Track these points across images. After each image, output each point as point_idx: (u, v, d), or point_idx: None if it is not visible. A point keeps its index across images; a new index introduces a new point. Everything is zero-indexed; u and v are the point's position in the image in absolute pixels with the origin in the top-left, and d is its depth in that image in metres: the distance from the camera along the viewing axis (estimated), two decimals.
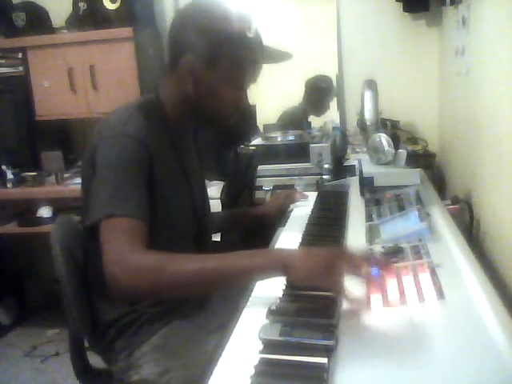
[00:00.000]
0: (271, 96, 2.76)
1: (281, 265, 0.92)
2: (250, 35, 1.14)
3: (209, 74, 1.15)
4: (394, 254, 1.08)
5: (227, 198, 1.85)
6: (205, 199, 1.40)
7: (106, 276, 0.95)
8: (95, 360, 1.29)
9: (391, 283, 0.95)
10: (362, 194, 1.59)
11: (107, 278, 0.95)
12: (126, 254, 0.96)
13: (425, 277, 0.95)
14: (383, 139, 1.68)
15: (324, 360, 0.74)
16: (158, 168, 1.12)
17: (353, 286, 0.91)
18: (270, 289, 1.01)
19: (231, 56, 1.14)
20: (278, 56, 1.28)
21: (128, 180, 1.05)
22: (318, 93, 2.78)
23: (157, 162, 1.12)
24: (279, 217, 1.62)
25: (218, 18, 1.14)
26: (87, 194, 1.09)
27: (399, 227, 1.21)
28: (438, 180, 2.34)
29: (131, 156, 1.07)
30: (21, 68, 2.69)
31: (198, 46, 1.13)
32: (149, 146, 1.10)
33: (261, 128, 2.71)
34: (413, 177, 1.60)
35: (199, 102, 1.18)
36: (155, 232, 1.06)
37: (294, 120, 2.71)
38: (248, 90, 1.23)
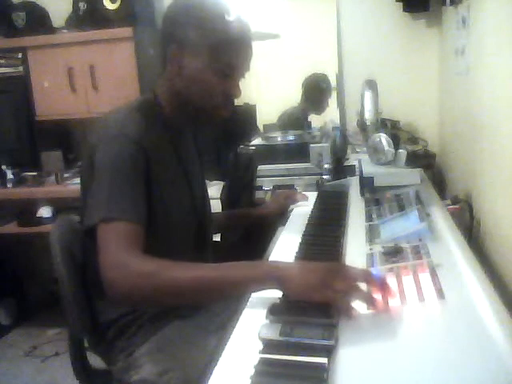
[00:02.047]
0: (271, 96, 2.76)
1: (276, 277, 0.91)
2: (230, 19, 1.13)
3: (192, 62, 1.14)
4: (394, 254, 1.08)
5: (227, 198, 1.85)
6: (205, 199, 1.39)
7: (103, 280, 0.95)
8: (95, 360, 1.29)
9: (391, 283, 0.95)
10: (362, 194, 1.59)
11: (104, 282, 0.95)
12: (122, 258, 0.96)
13: (425, 277, 0.95)
14: (383, 139, 1.68)
15: (324, 360, 0.74)
16: (156, 169, 1.12)
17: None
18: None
19: (217, 43, 1.13)
20: (263, 36, 1.26)
21: (125, 182, 1.05)
22: (316, 91, 2.78)
23: (155, 162, 1.12)
24: (279, 217, 1.62)
25: (195, 6, 1.14)
26: (86, 196, 1.09)
27: (399, 227, 1.21)
28: (438, 180, 2.34)
29: (129, 157, 1.07)
30: (21, 68, 2.69)
31: (178, 34, 1.13)
32: (147, 147, 1.10)
33: (261, 128, 2.71)
34: (413, 177, 1.60)
35: (187, 94, 1.17)
36: (155, 232, 1.06)
37: (294, 120, 2.71)
38: (239, 81, 1.21)
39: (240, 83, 1.22)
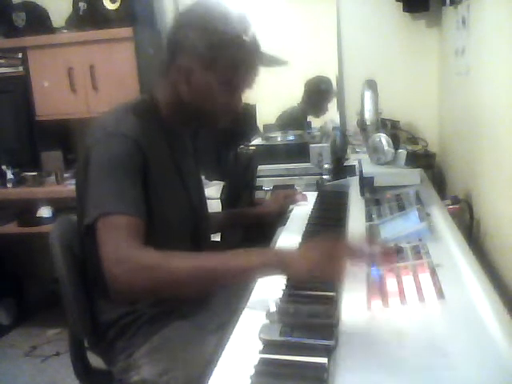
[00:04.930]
0: (271, 96, 2.75)
1: (279, 263, 0.92)
2: (248, 39, 1.14)
3: (204, 75, 1.15)
4: (394, 254, 1.08)
5: (227, 198, 1.85)
6: (202, 199, 1.39)
7: (105, 274, 0.95)
8: (95, 360, 1.29)
9: (391, 283, 0.95)
10: (362, 193, 1.59)
11: (107, 277, 0.95)
12: (124, 251, 0.96)
13: (425, 277, 0.95)
14: (383, 139, 1.68)
15: (324, 360, 0.74)
16: (152, 167, 1.12)
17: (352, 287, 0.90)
18: (270, 289, 1.01)
19: (228, 58, 1.14)
20: (273, 61, 1.27)
21: (122, 178, 1.05)
22: (318, 94, 2.78)
23: (151, 161, 1.12)
24: (279, 216, 1.62)
25: (218, 19, 1.14)
26: (82, 196, 1.09)
27: (399, 227, 1.21)
28: (438, 180, 2.34)
29: (125, 154, 1.07)
30: (21, 68, 2.69)
31: (195, 46, 1.13)
32: (142, 145, 1.10)
33: (261, 128, 2.71)
34: (413, 177, 1.60)
35: (191, 102, 1.18)
36: (151, 233, 1.06)
37: (293, 120, 2.71)
38: (242, 95, 1.22)
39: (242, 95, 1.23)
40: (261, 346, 0.80)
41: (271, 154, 2.18)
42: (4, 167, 2.70)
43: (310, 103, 2.80)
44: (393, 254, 0.93)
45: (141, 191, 1.07)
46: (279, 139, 2.29)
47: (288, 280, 0.96)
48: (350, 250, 0.91)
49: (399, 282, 0.95)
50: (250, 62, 1.18)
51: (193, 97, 1.17)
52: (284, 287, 1.01)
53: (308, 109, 2.81)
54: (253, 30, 1.16)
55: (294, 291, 0.99)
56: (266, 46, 1.21)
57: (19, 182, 2.69)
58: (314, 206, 1.59)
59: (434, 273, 0.96)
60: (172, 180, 1.24)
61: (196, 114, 1.20)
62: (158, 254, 0.97)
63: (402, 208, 1.35)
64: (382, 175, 1.61)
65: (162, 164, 1.19)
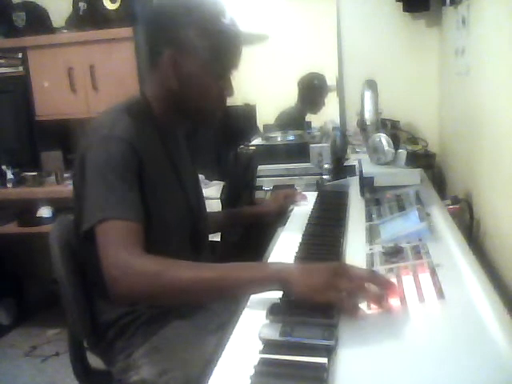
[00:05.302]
0: (272, 96, 2.76)
1: (280, 280, 0.91)
2: (227, 22, 1.15)
3: (191, 66, 1.14)
4: (394, 254, 1.08)
5: (227, 198, 1.85)
6: (200, 199, 1.39)
7: (106, 280, 0.95)
8: (95, 360, 1.29)
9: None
10: (362, 194, 1.59)
11: (107, 282, 0.95)
12: (125, 257, 0.96)
13: (425, 277, 0.95)
14: (383, 139, 1.68)
15: (324, 360, 0.74)
16: (148, 168, 1.12)
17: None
18: None
19: (211, 45, 1.14)
20: (253, 38, 1.28)
21: (119, 182, 1.05)
22: (312, 91, 2.79)
23: (146, 162, 1.12)
24: (279, 216, 1.62)
25: (194, 8, 1.14)
26: (79, 199, 1.09)
27: (399, 227, 1.21)
28: (438, 180, 2.34)
29: (120, 157, 1.07)
30: (21, 68, 2.70)
31: (177, 38, 1.13)
32: (137, 147, 1.10)
33: (261, 128, 2.71)
34: (413, 177, 1.60)
35: (184, 95, 1.17)
36: (150, 232, 1.06)
37: (292, 120, 2.71)
38: (232, 80, 1.22)
39: (233, 82, 1.23)
40: (261, 346, 0.80)
41: (271, 154, 2.18)
42: (4, 167, 2.70)
43: (306, 100, 2.81)
44: (393, 287, 0.91)
45: (138, 194, 1.07)
46: (279, 139, 2.29)
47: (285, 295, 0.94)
48: (352, 284, 0.88)
49: (399, 282, 0.95)
50: (235, 44, 1.18)
51: (184, 90, 1.16)
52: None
53: (305, 106, 2.81)
54: (229, 11, 1.16)
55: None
56: (245, 27, 1.22)
57: (19, 182, 2.70)
58: (313, 205, 1.58)
59: (434, 273, 0.96)
60: (169, 180, 1.23)
61: (190, 108, 1.20)
62: (158, 262, 0.97)
63: (402, 208, 1.35)
64: (382, 175, 1.61)
65: (158, 165, 1.18)
